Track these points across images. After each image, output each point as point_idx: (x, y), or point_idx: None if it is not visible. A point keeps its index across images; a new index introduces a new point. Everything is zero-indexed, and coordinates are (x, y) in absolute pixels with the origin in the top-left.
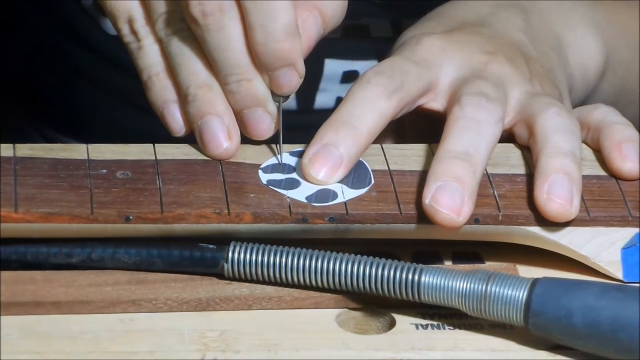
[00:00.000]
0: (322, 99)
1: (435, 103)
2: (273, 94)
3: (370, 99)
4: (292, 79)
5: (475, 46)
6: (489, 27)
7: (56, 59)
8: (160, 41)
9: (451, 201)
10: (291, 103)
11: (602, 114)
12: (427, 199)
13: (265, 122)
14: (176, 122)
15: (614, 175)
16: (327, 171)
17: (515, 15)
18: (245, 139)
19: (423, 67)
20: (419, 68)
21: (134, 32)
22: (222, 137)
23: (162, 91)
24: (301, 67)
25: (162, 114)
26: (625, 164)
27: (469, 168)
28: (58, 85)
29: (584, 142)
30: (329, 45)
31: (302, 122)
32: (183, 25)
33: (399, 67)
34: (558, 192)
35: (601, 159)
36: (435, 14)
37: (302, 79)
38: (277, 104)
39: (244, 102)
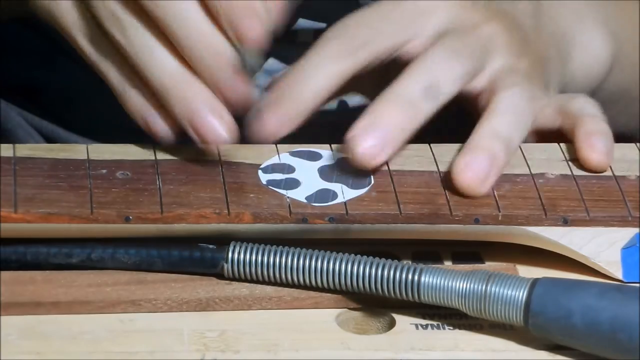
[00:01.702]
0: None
1: (416, 50)
2: (244, 56)
3: (322, 62)
4: (255, 28)
5: (475, 8)
6: (497, 4)
7: (59, 57)
8: (117, 44)
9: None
10: None
11: (580, 104)
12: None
13: (240, 82)
14: (162, 126)
15: (583, 165)
16: (272, 127)
17: (527, 3)
18: (246, 140)
19: (406, 18)
20: (398, 20)
21: (94, 44)
22: (217, 122)
23: (140, 100)
24: (263, 13)
25: (145, 122)
26: (593, 155)
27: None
28: (61, 83)
29: (558, 130)
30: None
31: (303, 126)
32: (133, 17)
33: (368, 22)
34: (475, 167)
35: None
36: None
37: (266, 27)
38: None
39: (224, 74)
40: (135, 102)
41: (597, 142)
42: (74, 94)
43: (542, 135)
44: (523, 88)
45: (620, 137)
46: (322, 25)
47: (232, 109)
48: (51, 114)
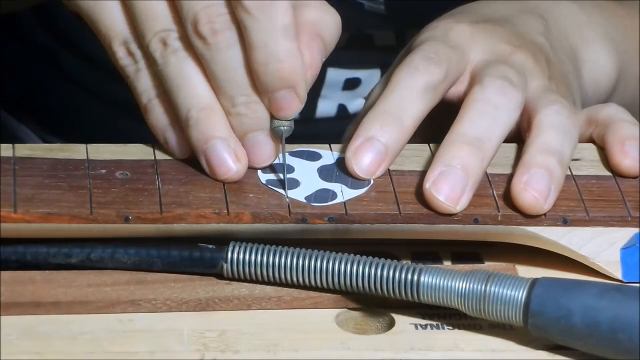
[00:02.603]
0: (324, 107)
1: (460, 86)
2: (273, 120)
3: (418, 89)
4: (293, 101)
5: (501, 37)
6: (512, 25)
7: (55, 69)
8: (154, 62)
9: (451, 190)
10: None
11: (612, 111)
12: (428, 182)
13: (269, 147)
14: (180, 145)
15: (613, 170)
16: (370, 164)
17: (536, 21)
18: None
19: (459, 52)
20: (457, 54)
21: (130, 54)
22: (230, 160)
23: (163, 114)
24: (302, 91)
25: (164, 138)
26: (625, 161)
27: (478, 156)
28: (56, 94)
29: (590, 139)
30: (333, 55)
31: (303, 132)
32: (180, 45)
33: (444, 53)
34: (535, 185)
35: (602, 159)
36: (458, 11)
37: (303, 105)
38: (281, 130)
39: (250, 125)
40: (158, 115)
41: (629, 148)
42: (75, 105)
43: None
44: (562, 104)
45: None
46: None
47: (251, 163)
48: (49, 122)
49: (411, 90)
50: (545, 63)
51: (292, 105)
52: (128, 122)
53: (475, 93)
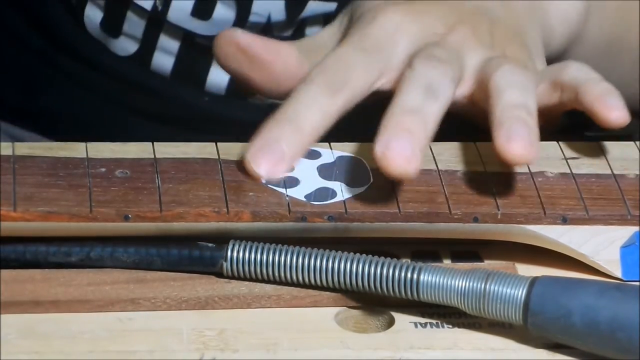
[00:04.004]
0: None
1: (388, 84)
2: None
3: (314, 99)
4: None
5: (435, 17)
6: None
7: (51, 71)
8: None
9: (402, 150)
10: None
11: (574, 71)
12: (379, 149)
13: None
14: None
15: (602, 126)
16: (268, 167)
17: None
18: (245, 139)
19: (374, 53)
20: (368, 56)
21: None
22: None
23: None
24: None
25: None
26: (612, 114)
27: (419, 121)
28: (54, 97)
29: (559, 103)
30: None
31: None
32: None
33: (345, 61)
34: (517, 135)
35: (602, 158)
36: None
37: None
38: None
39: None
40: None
41: (610, 100)
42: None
43: (543, 115)
44: (512, 63)
45: None
46: (332, 7)
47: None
48: (48, 125)
49: (307, 100)
50: (487, 31)
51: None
52: (128, 123)
53: (406, 74)
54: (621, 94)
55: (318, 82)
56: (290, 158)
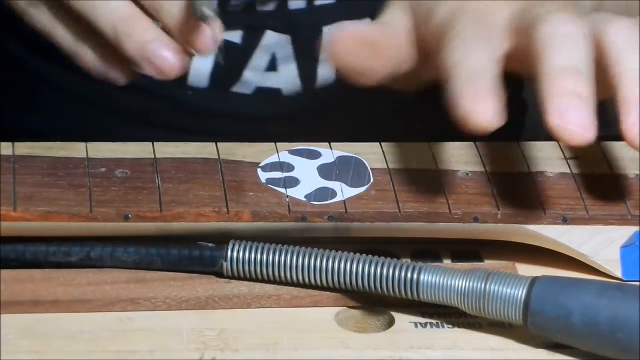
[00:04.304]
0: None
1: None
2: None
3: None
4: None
5: None
6: None
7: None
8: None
9: (579, 119)
10: (296, 85)
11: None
12: (553, 120)
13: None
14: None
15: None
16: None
17: None
18: (243, 138)
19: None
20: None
21: None
22: (171, 55)
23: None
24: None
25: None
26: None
27: (584, 81)
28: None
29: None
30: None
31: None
32: None
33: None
34: (572, 117)
35: (602, 158)
36: None
37: None
38: (200, 10)
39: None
40: (90, 56)
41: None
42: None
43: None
44: (622, 19)
45: None
46: None
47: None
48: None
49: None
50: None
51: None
52: (111, 122)
53: (544, 29)
54: None
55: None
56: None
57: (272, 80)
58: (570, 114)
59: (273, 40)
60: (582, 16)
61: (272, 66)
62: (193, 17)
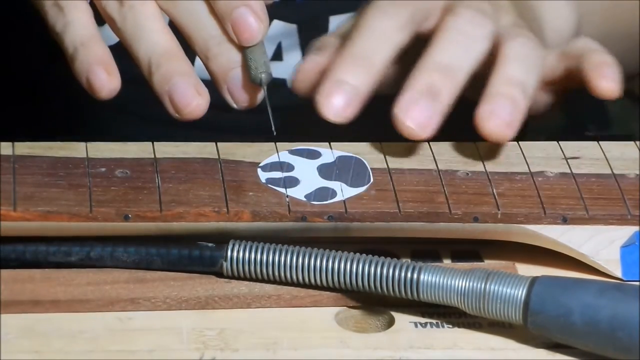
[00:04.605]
0: None
1: (431, 23)
2: (250, 69)
3: (385, 31)
4: (250, 18)
5: None
6: None
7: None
8: (111, 20)
9: (420, 114)
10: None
11: (584, 43)
12: (398, 108)
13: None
14: (100, 80)
15: (593, 93)
16: (341, 106)
17: None
18: (244, 138)
19: None
20: None
21: (60, 10)
22: (191, 94)
23: (86, 57)
24: (258, 8)
25: (87, 78)
26: (603, 82)
27: (448, 82)
28: (57, 86)
29: (565, 72)
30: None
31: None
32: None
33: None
34: (500, 113)
35: (602, 158)
36: None
37: (264, 24)
38: (259, 77)
39: (228, 63)
40: (82, 60)
41: (606, 70)
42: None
43: (548, 85)
44: (528, 37)
45: None
46: None
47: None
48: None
49: (379, 33)
50: (513, 4)
51: (252, 24)
52: (112, 116)
53: (448, 22)
54: None
55: (391, 13)
56: (363, 95)
57: (277, 70)
58: (414, 110)
59: (279, 30)
60: (491, 16)
61: (277, 56)
62: (247, 79)
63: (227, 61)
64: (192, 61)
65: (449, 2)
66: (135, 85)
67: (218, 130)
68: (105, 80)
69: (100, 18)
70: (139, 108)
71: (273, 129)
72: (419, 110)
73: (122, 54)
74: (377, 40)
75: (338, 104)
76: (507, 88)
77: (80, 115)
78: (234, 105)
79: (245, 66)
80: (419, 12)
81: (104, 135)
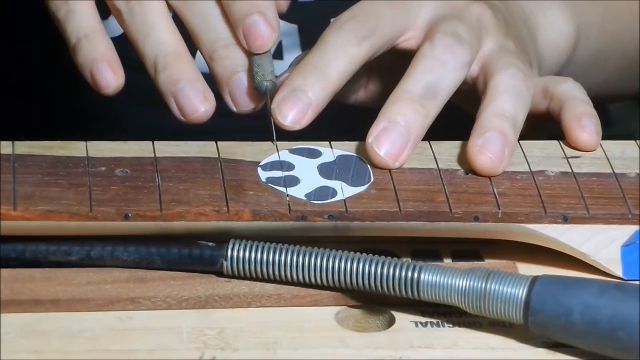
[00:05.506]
0: None
1: (412, 42)
2: (256, 76)
3: (341, 45)
4: (263, 27)
5: None
6: None
7: (54, 58)
8: (118, 12)
9: (391, 146)
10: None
11: (568, 87)
12: (370, 137)
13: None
14: (105, 78)
15: (571, 145)
16: (294, 116)
17: None
18: (244, 138)
19: (400, 7)
20: (395, 9)
21: None
22: (198, 101)
23: (90, 51)
24: (272, 17)
25: (91, 73)
26: (583, 134)
27: (421, 113)
28: (57, 83)
29: (545, 111)
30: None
31: None
32: None
33: (374, 10)
34: (491, 147)
35: (603, 157)
36: None
37: (276, 34)
38: (264, 84)
39: (232, 67)
40: (86, 53)
41: (586, 122)
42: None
43: (530, 118)
44: (518, 67)
45: (601, 98)
46: None
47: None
48: (50, 113)
49: (334, 46)
50: (503, 21)
51: (264, 32)
52: (117, 105)
53: (424, 50)
54: (606, 94)
55: (347, 29)
56: (316, 106)
57: (277, 69)
58: (382, 139)
59: (280, 30)
60: (470, 43)
61: (278, 55)
62: (251, 85)
63: (232, 64)
64: (193, 55)
65: (430, 21)
66: (142, 74)
67: (218, 133)
68: (111, 78)
69: (106, 10)
70: (145, 95)
71: (274, 137)
72: (392, 142)
73: (128, 42)
74: (332, 53)
75: (291, 112)
76: (497, 122)
77: (83, 105)
78: (234, 109)
79: (251, 72)
80: (385, 28)
81: (111, 124)
